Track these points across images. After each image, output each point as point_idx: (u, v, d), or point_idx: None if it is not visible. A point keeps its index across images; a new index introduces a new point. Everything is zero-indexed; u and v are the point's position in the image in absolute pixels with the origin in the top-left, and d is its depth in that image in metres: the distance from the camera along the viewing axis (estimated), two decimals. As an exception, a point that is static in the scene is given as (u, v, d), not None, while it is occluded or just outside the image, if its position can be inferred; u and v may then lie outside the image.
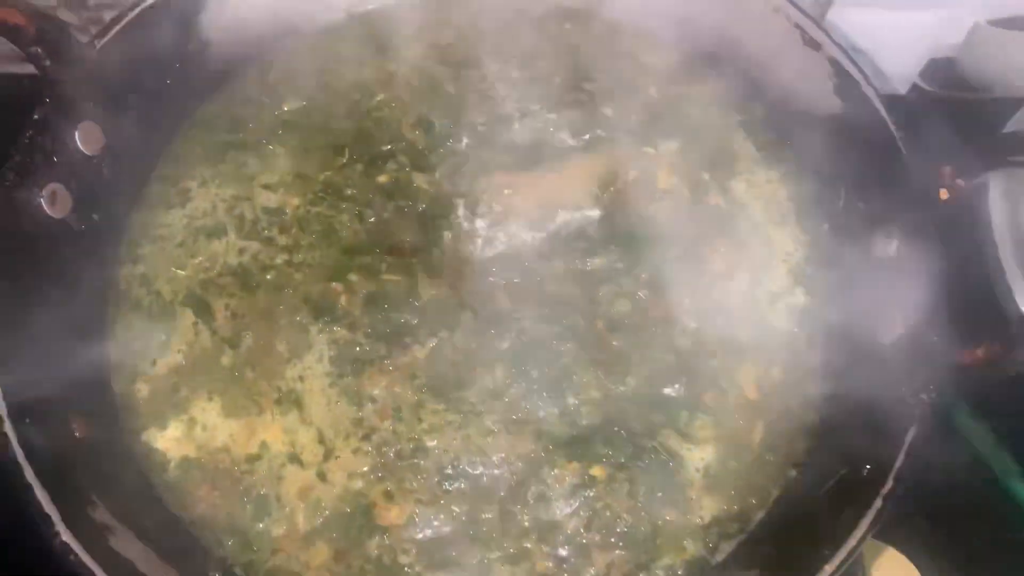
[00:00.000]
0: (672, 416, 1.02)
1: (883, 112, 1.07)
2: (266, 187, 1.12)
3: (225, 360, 1.03)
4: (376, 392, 1.01)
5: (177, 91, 1.15)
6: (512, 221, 1.12)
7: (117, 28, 1.06)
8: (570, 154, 1.17)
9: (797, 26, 1.15)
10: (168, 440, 0.99)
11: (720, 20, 1.21)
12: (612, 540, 0.97)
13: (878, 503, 0.85)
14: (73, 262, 1.02)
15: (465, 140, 1.16)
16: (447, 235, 1.10)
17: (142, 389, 1.02)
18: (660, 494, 0.99)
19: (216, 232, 1.10)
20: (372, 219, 1.11)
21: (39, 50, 0.99)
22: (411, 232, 1.10)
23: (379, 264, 1.08)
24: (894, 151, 1.05)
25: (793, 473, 1.01)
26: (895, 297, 1.00)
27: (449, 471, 0.99)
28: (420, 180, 1.13)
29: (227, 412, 1.01)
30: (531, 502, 0.98)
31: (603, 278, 1.08)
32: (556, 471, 0.99)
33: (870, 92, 1.09)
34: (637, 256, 1.09)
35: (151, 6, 1.08)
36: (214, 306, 1.06)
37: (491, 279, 1.08)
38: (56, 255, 1.00)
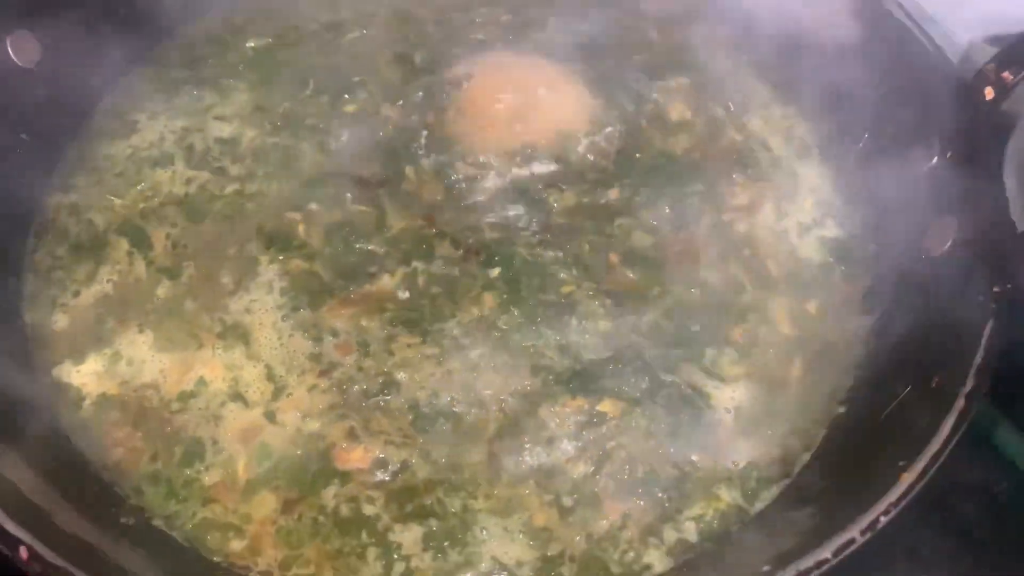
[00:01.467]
0: (696, 352, 0.89)
1: (909, 22, 0.99)
2: (220, 118, 1.03)
3: (161, 291, 0.90)
4: (338, 325, 0.88)
5: (131, 23, 1.07)
6: (502, 151, 1.00)
7: (63, -62, 0.99)
8: (566, 89, 1.07)
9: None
10: (84, 375, 0.85)
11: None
12: (628, 487, 0.81)
13: (960, 403, 0.71)
14: None
15: (447, 73, 1.07)
16: (423, 163, 0.99)
17: (59, 320, 0.88)
18: (685, 434, 0.84)
19: (162, 162, 0.99)
20: (334, 147, 1.00)
21: (-28, -57, 0.91)
22: (379, 163, 1.00)
23: (343, 194, 0.96)
24: (926, 59, 0.97)
25: (841, 410, 0.87)
26: (941, 208, 0.89)
27: (426, 409, 0.84)
28: (391, 111, 1.03)
29: (159, 346, 0.86)
30: (527, 444, 0.82)
31: (618, 210, 0.97)
32: (557, 408, 0.84)
33: (891, 5, 1.01)
34: (656, 189, 0.99)
35: (103, -80, 1.02)
36: (153, 236, 0.94)
37: (477, 210, 0.97)
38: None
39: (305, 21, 1.14)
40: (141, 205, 0.96)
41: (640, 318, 0.90)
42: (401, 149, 1.01)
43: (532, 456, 0.82)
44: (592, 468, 0.82)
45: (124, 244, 0.93)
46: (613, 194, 0.99)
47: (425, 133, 1.02)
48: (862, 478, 0.72)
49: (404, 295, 0.90)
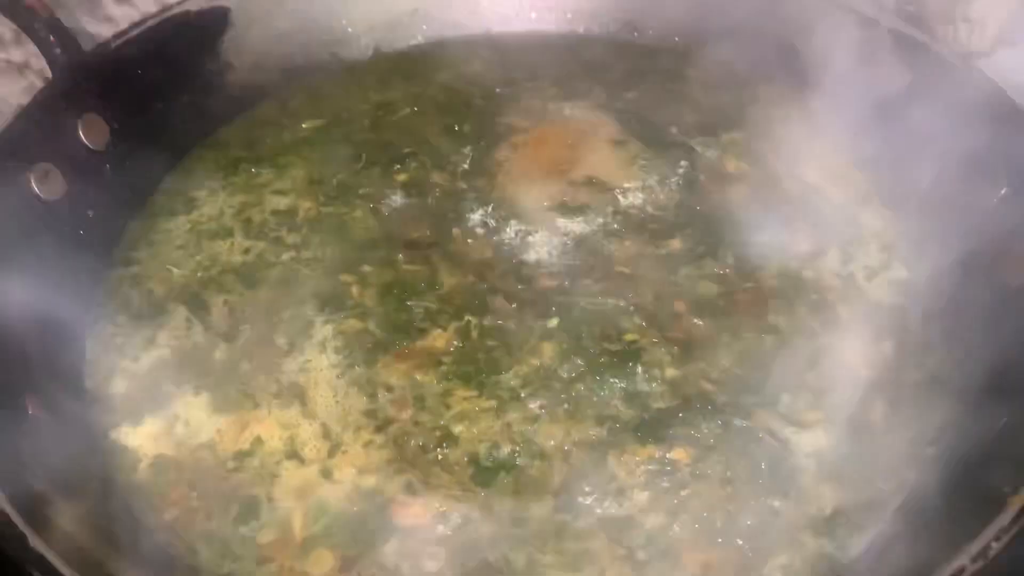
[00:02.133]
0: (770, 397, 0.86)
1: (960, 63, 1.00)
2: (277, 192, 1.06)
3: (218, 354, 0.91)
4: (392, 381, 0.87)
5: (193, 109, 1.13)
6: (554, 207, 1.02)
7: (133, 33, 1.06)
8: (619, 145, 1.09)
9: (852, 10, 1.12)
10: (142, 437, 0.84)
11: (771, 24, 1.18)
12: (706, 537, 0.76)
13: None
14: (57, 250, 0.94)
15: (495, 138, 1.10)
16: (471, 223, 1.00)
17: (119, 385, 0.89)
18: (764, 481, 0.79)
19: (220, 234, 1.02)
20: (387, 213, 1.02)
21: (50, 37, 0.99)
22: (429, 226, 1.01)
23: (394, 256, 0.97)
24: (983, 94, 0.96)
25: (931, 450, 0.81)
26: (1015, 239, 0.87)
27: (486, 462, 0.81)
28: (440, 177, 1.06)
29: (216, 407, 0.86)
30: (595, 495, 0.79)
31: (682, 260, 0.97)
32: (625, 457, 0.81)
33: (943, 52, 1.03)
34: (718, 239, 0.99)
35: (170, 19, 1.10)
36: (211, 302, 0.95)
37: (530, 264, 0.97)
38: (39, 238, 0.92)
39: (357, 103, 1.19)
40: (199, 274, 0.98)
41: (710, 365, 0.88)
42: (450, 212, 1.02)
43: (601, 508, 0.78)
44: (667, 518, 0.77)
45: (183, 311, 0.94)
46: (675, 244, 0.99)
47: (473, 195, 1.04)
48: (964, 511, 0.67)
49: (459, 348, 0.89)
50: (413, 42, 1.28)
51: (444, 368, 0.88)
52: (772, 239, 0.99)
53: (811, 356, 0.90)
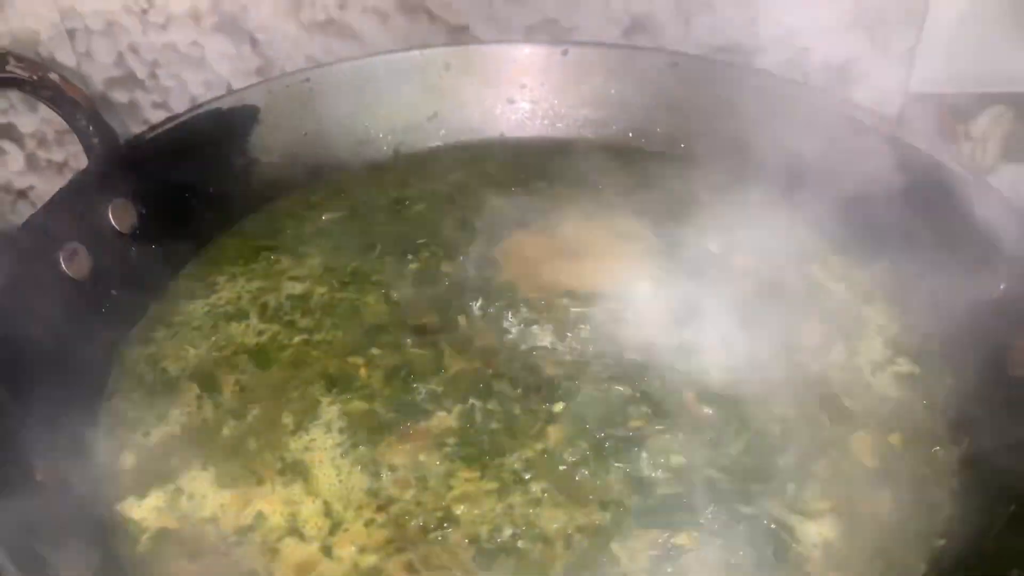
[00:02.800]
0: (777, 486, 0.85)
1: (958, 166, 1.05)
2: (293, 279, 1.10)
3: (227, 431, 0.92)
4: (396, 460, 0.88)
5: (219, 200, 1.19)
6: (562, 295, 1.05)
7: (167, 126, 1.13)
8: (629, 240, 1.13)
9: (848, 117, 1.18)
10: (146, 510, 0.85)
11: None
12: (711, 624, 0.74)
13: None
14: (79, 326, 0.97)
15: (505, 231, 1.15)
16: (477, 311, 1.03)
17: (127, 458, 0.90)
18: (769, 569, 0.78)
19: (237, 317, 1.05)
20: (397, 299, 1.05)
21: (89, 126, 1.05)
22: (438, 313, 1.04)
23: (402, 340, 1.00)
24: (980, 196, 1.01)
25: (940, 542, 0.80)
26: (1017, 332, 0.89)
27: (487, 544, 0.81)
28: (449, 267, 1.10)
29: (221, 482, 0.87)
30: (597, 579, 0.78)
31: (693, 349, 0.98)
32: (629, 542, 0.80)
33: (936, 153, 1.07)
34: (727, 332, 1.00)
35: (202, 115, 1.17)
36: (222, 381, 0.97)
37: (536, 352, 0.99)
38: (62, 313, 0.96)
39: (375, 198, 1.25)
40: (214, 354, 1.01)
41: (716, 453, 0.88)
42: (457, 300, 1.05)
43: (606, 592, 0.77)
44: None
45: (195, 388, 0.96)
46: (685, 335, 1.00)
47: (481, 285, 1.07)
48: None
49: (463, 430, 0.90)
50: (431, 144, 1.35)
51: (447, 450, 0.89)
52: (780, 332, 1.01)
53: (818, 447, 0.90)
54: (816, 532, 0.82)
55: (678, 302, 1.05)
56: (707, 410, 0.93)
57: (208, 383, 0.97)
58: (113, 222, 1.05)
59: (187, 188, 1.15)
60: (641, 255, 1.10)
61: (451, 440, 0.90)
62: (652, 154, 1.33)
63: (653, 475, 0.86)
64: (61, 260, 0.98)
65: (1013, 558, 0.66)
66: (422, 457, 0.88)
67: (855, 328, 1.03)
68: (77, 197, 1.02)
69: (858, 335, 1.02)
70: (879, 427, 0.92)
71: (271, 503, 0.85)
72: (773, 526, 0.82)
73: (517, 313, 1.03)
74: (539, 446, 0.89)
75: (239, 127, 1.22)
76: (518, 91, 1.36)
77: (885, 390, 0.96)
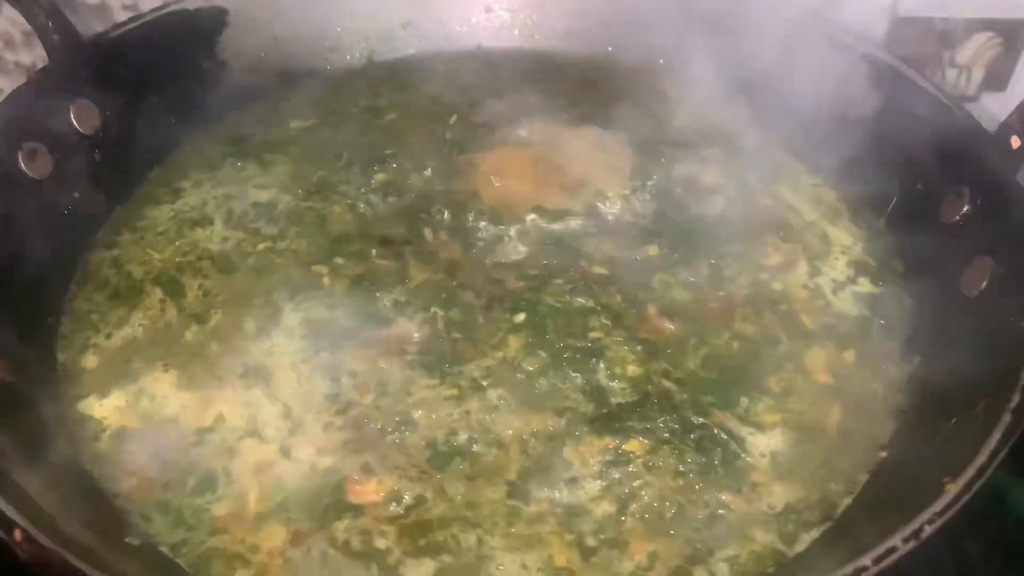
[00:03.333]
0: (731, 398, 0.87)
1: (932, 87, 1.04)
2: (259, 186, 1.09)
3: (189, 335, 0.93)
4: (357, 367, 0.89)
5: (186, 104, 1.17)
6: (530, 209, 1.04)
7: (131, 25, 1.11)
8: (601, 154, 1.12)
9: (827, 35, 1.15)
10: (107, 408, 0.86)
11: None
12: (655, 527, 0.78)
13: (1007, 418, 0.68)
14: (41, 228, 0.97)
15: (475, 144, 1.13)
16: (444, 224, 1.03)
17: (89, 359, 0.91)
18: (717, 476, 0.81)
19: (201, 223, 1.05)
20: (363, 211, 1.05)
21: (48, 23, 1.03)
22: (405, 225, 1.04)
23: (367, 251, 1.00)
24: (949, 117, 1.00)
25: (883, 454, 0.83)
26: (975, 252, 0.89)
27: (443, 447, 0.83)
28: (416, 179, 1.09)
29: (182, 385, 0.88)
30: (549, 482, 0.80)
31: (657, 266, 0.99)
32: (581, 447, 0.82)
33: (911, 74, 1.06)
34: (693, 249, 1.01)
35: (168, 14, 1.14)
36: (187, 285, 0.98)
37: (502, 265, 0.99)
38: (24, 215, 0.95)
39: (346, 107, 1.23)
40: (178, 259, 1.00)
41: (673, 366, 0.89)
42: (423, 212, 1.04)
43: (554, 495, 0.79)
44: (617, 508, 0.78)
45: (158, 292, 0.97)
46: (652, 251, 1.01)
47: (449, 198, 1.06)
48: (906, 501, 0.68)
49: (424, 339, 0.91)
50: (406, 52, 1.32)
51: (408, 357, 0.90)
52: (744, 251, 1.02)
53: (774, 363, 0.91)
54: (765, 443, 0.84)
55: (646, 219, 1.05)
56: (668, 324, 0.94)
57: (172, 287, 0.97)
58: (75, 123, 1.03)
59: (153, 91, 1.13)
60: (612, 170, 1.09)
61: (412, 348, 0.90)
62: (630, 68, 1.30)
63: (609, 384, 0.87)
64: (20, 159, 0.96)
65: (948, 468, 0.68)
66: (383, 364, 0.89)
67: (819, 248, 1.03)
68: (36, 95, 1.00)
69: (822, 255, 1.02)
70: (835, 344, 0.93)
71: (231, 405, 0.86)
72: (724, 436, 0.84)
73: (484, 227, 1.03)
74: (499, 355, 0.90)
75: (207, 29, 1.19)
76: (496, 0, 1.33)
77: (844, 308, 0.97)
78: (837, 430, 0.86)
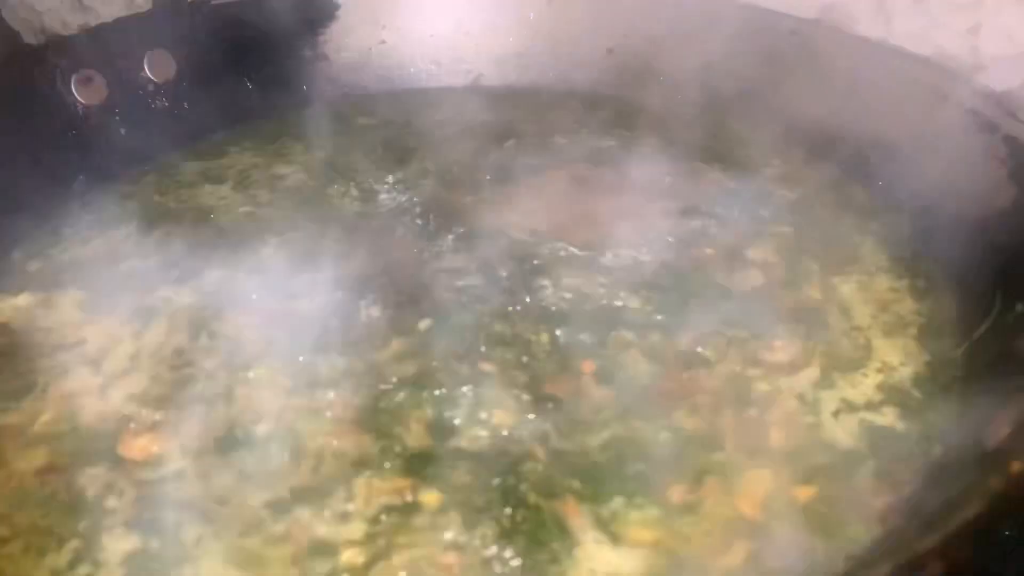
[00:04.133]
0: (600, 492, 0.65)
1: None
2: (287, 162, 1.08)
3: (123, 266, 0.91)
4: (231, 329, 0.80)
5: (269, 85, 1.19)
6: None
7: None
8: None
9: (972, 110, 0.88)
10: (7, 305, 0.87)
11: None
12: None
13: None
14: (77, 148, 1.02)
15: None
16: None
17: (34, 264, 0.93)
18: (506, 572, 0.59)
19: (219, 181, 1.05)
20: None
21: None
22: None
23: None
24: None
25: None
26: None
27: (239, 433, 0.72)
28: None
29: (85, 308, 0.86)
30: (318, 506, 0.65)
31: (624, 320, 0.81)
32: (377, 481, 0.66)
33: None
34: (684, 317, 0.81)
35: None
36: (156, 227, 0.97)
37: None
38: (67, 128, 1.01)
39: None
40: (171, 205, 1.01)
41: (563, 433, 0.70)
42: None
43: (313, 523, 0.64)
44: (366, 560, 0.61)
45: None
46: (632, 302, 0.82)
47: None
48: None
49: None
50: (511, 80, 1.25)
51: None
52: (745, 339, 0.78)
53: (694, 471, 0.67)
54: (607, 561, 0.62)
55: (648, 266, 0.87)
56: (595, 388, 0.75)
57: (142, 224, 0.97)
58: (147, 68, 1.10)
59: (241, 63, 1.17)
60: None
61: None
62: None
63: (460, 424, 0.70)
64: (73, 81, 1.03)
65: None
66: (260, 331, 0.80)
67: (851, 359, 0.77)
68: (116, 32, 1.07)
69: (849, 368, 0.76)
70: (793, 475, 0.67)
71: (115, 333, 0.83)
72: (553, 531, 0.62)
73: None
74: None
75: (315, 18, 1.22)
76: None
77: (836, 436, 0.70)
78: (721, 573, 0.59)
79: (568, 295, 0.83)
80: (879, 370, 0.75)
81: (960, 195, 0.85)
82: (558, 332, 0.79)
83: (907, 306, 0.82)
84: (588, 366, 0.76)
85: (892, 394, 0.73)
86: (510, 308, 0.81)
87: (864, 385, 0.74)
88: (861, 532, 0.61)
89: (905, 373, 0.75)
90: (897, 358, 0.76)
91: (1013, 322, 0.72)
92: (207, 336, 0.80)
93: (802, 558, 0.60)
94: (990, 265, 0.78)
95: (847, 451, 0.68)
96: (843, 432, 0.70)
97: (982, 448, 0.63)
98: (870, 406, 0.72)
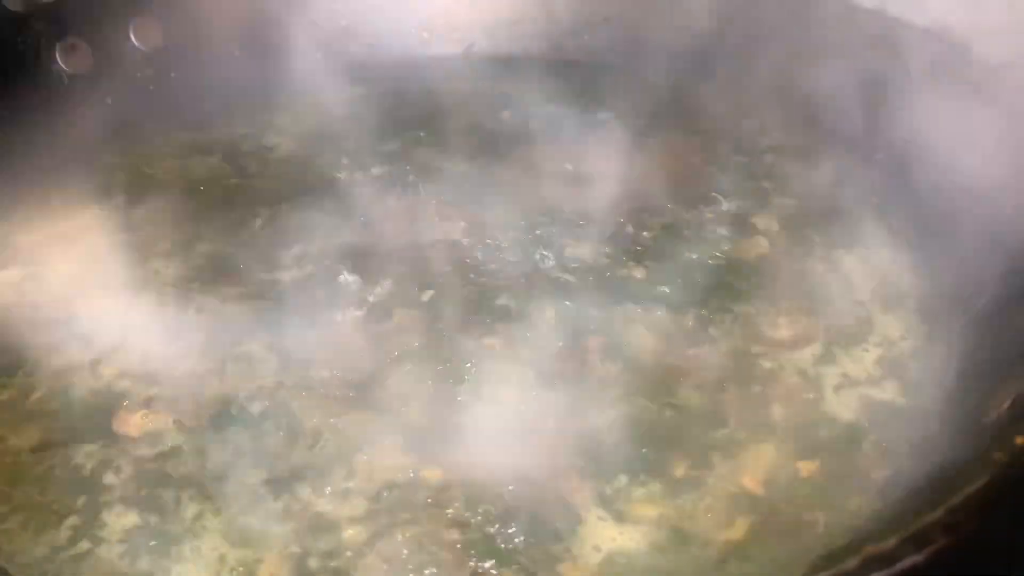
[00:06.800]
0: (604, 469, 0.65)
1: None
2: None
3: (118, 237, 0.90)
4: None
5: (259, 54, 1.16)
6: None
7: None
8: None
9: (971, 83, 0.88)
10: (-6, 278, 0.85)
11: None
12: (392, 576, 0.58)
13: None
14: (62, 116, 1.00)
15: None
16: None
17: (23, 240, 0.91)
18: (509, 548, 0.59)
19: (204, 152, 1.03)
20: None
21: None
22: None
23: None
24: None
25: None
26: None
27: (235, 410, 0.71)
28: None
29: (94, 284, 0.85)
30: (319, 483, 0.65)
31: (632, 294, 0.80)
32: (378, 456, 0.66)
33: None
34: (690, 290, 0.80)
35: None
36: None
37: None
38: (51, 106, 0.99)
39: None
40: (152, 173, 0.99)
41: (575, 411, 0.69)
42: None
43: (313, 498, 0.64)
44: (368, 537, 0.60)
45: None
46: (637, 273, 0.81)
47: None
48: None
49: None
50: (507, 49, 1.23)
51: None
52: (751, 314, 0.78)
53: (699, 447, 0.67)
54: (609, 538, 0.61)
55: (651, 235, 0.87)
56: (600, 363, 0.74)
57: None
58: (133, 37, 1.07)
59: (234, 40, 1.14)
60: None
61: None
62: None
63: (475, 401, 0.69)
64: (58, 49, 1.00)
65: None
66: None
67: (853, 333, 0.77)
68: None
69: (851, 342, 0.76)
70: (795, 450, 0.67)
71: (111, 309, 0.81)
72: (560, 508, 0.62)
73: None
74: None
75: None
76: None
77: (837, 411, 0.70)
78: (720, 552, 0.59)
79: (574, 265, 0.82)
80: (879, 344, 0.75)
81: (961, 169, 0.85)
82: (564, 303, 0.78)
83: (907, 280, 0.81)
84: (594, 341, 0.76)
85: (893, 368, 0.73)
86: (512, 279, 0.80)
87: (865, 360, 0.74)
88: (863, 506, 0.61)
89: (905, 347, 0.75)
90: (898, 332, 0.76)
91: (1013, 296, 0.72)
92: (196, 310, 0.79)
93: (804, 532, 0.60)
94: (990, 238, 0.78)
95: (848, 426, 0.68)
96: (844, 407, 0.70)
97: (982, 422, 0.63)
98: (871, 381, 0.72)
